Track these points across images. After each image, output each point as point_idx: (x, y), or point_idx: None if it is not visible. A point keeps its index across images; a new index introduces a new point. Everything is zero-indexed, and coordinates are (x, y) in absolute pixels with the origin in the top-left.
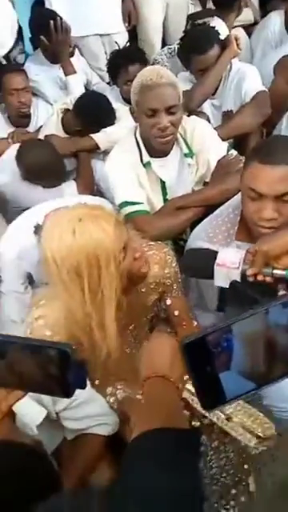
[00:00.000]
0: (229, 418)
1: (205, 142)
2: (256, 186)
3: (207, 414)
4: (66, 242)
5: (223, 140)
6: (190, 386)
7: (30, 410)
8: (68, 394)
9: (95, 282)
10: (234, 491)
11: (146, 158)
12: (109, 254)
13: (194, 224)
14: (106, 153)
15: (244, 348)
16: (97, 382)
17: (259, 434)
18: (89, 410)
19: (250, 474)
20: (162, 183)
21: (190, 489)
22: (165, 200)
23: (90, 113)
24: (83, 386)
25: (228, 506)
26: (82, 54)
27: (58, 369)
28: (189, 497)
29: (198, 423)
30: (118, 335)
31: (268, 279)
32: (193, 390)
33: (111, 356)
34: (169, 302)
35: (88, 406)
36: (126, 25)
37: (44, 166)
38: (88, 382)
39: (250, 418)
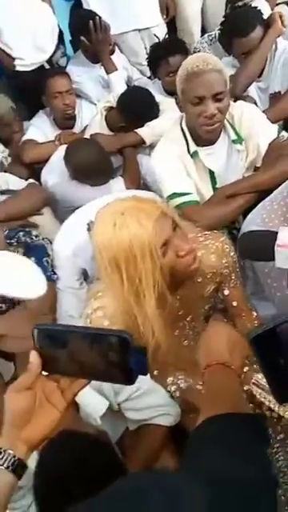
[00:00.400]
0: None
1: (253, 126)
2: None
3: (275, 408)
4: (106, 234)
5: (273, 123)
6: (256, 380)
7: (93, 400)
8: (130, 380)
9: (132, 273)
10: None
11: (193, 147)
12: (144, 249)
13: (246, 212)
14: (152, 147)
15: None
16: (155, 372)
17: None
18: (150, 401)
19: None
20: (211, 172)
21: (260, 473)
22: (214, 189)
23: (134, 108)
24: (145, 373)
25: None
26: (121, 51)
27: (119, 356)
28: (260, 482)
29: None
30: (166, 327)
31: None
32: (260, 384)
33: (160, 347)
34: (227, 292)
35: (149, 396)
36: (164, 17)
37: (91, 164)
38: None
39: None
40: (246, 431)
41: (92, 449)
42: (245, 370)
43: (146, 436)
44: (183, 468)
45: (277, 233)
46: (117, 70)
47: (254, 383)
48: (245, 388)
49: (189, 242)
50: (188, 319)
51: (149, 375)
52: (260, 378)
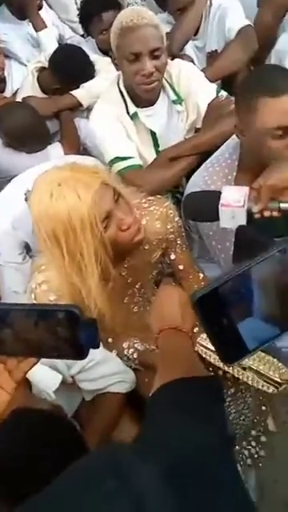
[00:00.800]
0: (244, 368)
1: (192, 85)
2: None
3: (221, 366)
4: (43, 206)
5: (211, 82)
6: (201, 340)
7: (45, 376)
8: (82, 355)
9: (72, 248)
10: (253, 432)
11: (132, 108)
12: (84, 222)
13: (189, 175)
14: (90, 109)
15: (264, 292)
16: (110, 339)
17: (276, 379)
18: (104, 370)
19: (269, 414)
20: (152, 134)
21: (218, 435)
22: (157, 152)
23: (67, 68)
24: (96, 346)
25: (249, 447)
26: (50, 7)
27: (68, 331)
28: (218, 444)
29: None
30: (112, 298)
31: (275, 214)
32: (205, 344)
33: (105, 317)
34: (173, 256)
35: (102, 365)
36: None
37: (26, 129)
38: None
39: (265, 365)
40: (202, 394)
41: (46, 424)
42: (195, 331)
43: (103, 405)
44: (141, 439)
45: (220, 193)
46: (46, 27)
47: (198, 343)
48: (195, 349)
49: (132, 212)
50: (137, 286)
51: (101, 344)
52: (204, 337)
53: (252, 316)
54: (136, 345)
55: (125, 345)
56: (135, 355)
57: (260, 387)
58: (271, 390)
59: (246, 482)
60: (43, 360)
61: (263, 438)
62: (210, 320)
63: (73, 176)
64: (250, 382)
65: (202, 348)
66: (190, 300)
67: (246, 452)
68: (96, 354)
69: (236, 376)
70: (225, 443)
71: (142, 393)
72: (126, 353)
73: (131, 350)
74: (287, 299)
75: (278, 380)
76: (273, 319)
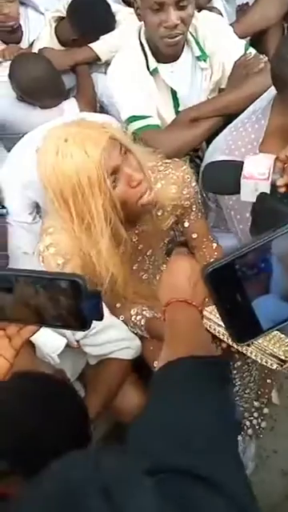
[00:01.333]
0: (248, 344)
1: (219, 40)
2: None
3: (226, 339)
4: (50, 164)
5: (240, 38)
6: (206, 312)
7: (49, 339)
8: (84, 326)
9: (81, 207)
10: (256, 404)
11: (153, 63)
12: (92, 180)
13: (210, 139)
14: (108, 64)
15: (285, 267)
16: (118, 305)
17: (280, 356)
18: (109, 336)
19: (273, 387)
20: (173, 92)
21: (224, 418)
22: (177, 112)
23: (86, 18)
24: (99, 318)
25: (252, 418)
26: None
27: (71, 301)
28: (224, 427)
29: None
30: (123, 264)
31: None
32: (210, 317)
33: (117, 282)
34: (187, 224)
35: (108, 331)
36: None
37: (39, 83)
38: (106, 308)
39: (269, 341)
40: (210, 375)
41: (45, 389)
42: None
43: (107, 370)
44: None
45: (243, 163)
46: None
47: (205, 317)
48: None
49: (141, 171)
50: (147, 254)
51: (108, 310)
52: (209, 310)
53: (269, 293)
54: (144, 312)
55: (132, 311)
56: (142, 322)
57: (264, 363)
58: (275, 366)
59: (245, 451)
60: None
61: (266, 410)
62: (223, 296)
63: (80, 131)
64: (253, 357)
65: (206, 321)
66: (201, 273)
67: (248, 423)
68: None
69: (239, 349)
70: (231, 430)
71: (147, 360)
72: (133, 319)
73: (139, 317)
74: None
75: (282, 357)
76: None
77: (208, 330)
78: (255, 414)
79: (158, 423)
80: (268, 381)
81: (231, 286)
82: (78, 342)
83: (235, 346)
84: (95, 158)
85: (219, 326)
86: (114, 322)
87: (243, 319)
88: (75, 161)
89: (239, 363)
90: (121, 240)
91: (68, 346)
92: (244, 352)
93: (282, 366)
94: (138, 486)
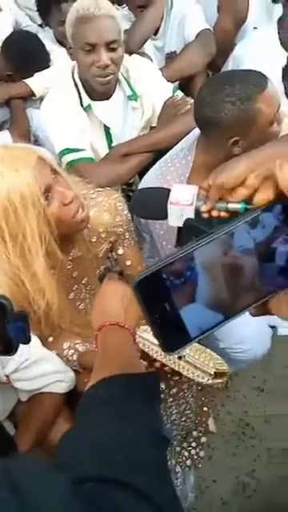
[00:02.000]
0: (180, 357)
1: (149, 82)
2: None
3: (158, 357)
4: None
5: (168, 81)
6: (140, 332)
7: None
8: (10, 350)
9: (14, 228)
10: (194, 433)
11: (87, 100)
12: (25, 198)
13: (142, 173)
14: (42, 100)
15: (208, 276)
16: (50, 339)
17: (211, 370)
18: (41, 369)
19: (210, 415)
20: (106, 128)
21: (149, 433)
22: (110, 147)
23: (21, 53)
24: (26, 341)
25: (190, 448)
26: None
27: None
28: (149, 441)
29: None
30: (59, 289)
31: (223, 214)
32: (143, 335)
33: (53, 308)
34: (121, 251)
35: (40, 364)
36: None
37: None
38: (38, 340)
39: (201, 355)
40: (137, 391)
41: None
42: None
43: (39, 405)
44: (69, 436)
45: (169, 190)
46: (1, 10)
47: (139, 336)
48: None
49: (71, 189)
50: (83, 282)
51: (39, 342)
52: (144, 329)
53: (195, 302)
54: (77, 345)
55: (65, 345)
56: (75, 357)
57: (194, 378)
58: (206, 379)
59: (184, 482)
60: None
61: (203, 439)
62: (152, 305)
63: (8, 153)
64: (185, 373)
65: (140, 339)
66: (131, 285)
67: (186, 453)
68: (33, 353)
69: (170, 366)
70: (156, 445)
71: (81, 393)
72: (65, 353)
73: (71, 351)
74: (232, 284)
75: (214, 371)
76: (217, 306)
77: (142, 349)
78: (193, 444)
79: (84, 438)
80: (204, 409)
81: (159, 295)
82: (7, 376)
83: (168, 365)
84: (27, 175)
85: (153, 344)
86: (46, 354)
87: (172, 328)
88: (6, 180)
89: (175, 390)
90: (56, 262)
91: None
92: (176, 367)
93: (213, 379)
94: (50, 484)
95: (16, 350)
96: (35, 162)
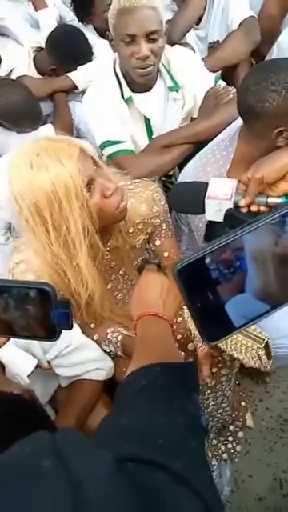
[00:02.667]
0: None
1: (191, 73)
2: None
3: (200, 344)
4: (23, 178)
5: (210, 71)
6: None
7: (19, 359)
8: (53, 335)
9: (58, 220)
10: (231, 427)
11: (128, 92)
12: (69, 190)
13: (182, 164)
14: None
15: (258, 266)
16: (92, 325)
17: (263, 336)
18: (81, 356)
19: (248, 410)
20: (146, 120)
21: (187, 421)
22: (150, 138)
23: (65, 48)
24: (69, 327)
25: (227, 442)
26: None
27: (40, 309)
28: (187, 429)
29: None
30: (100, 276)
31: (262, 209)
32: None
33: (94, 298)
34: (158, 242)
35: (80, 351)
36: None
37: (18, 108)
38: (78, 328)
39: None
40: (175, 380)
41: (12, 409)
42: (178, 321)
43: (79, 391)
44: (103, 427)
45: (208, 184)
46: (47, 6)
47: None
48: (177, 337)
49: (112, 181)
50: (121, 272)
51: (80, 330)
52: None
53: (244, 292)
54: (121, 329)
55: (109, 330)
56: (119, 338)
57: (244, 352)
58: (256, 347)
59: (220, 475)
60: (18, 343)
61: (240, 434)
62: (193, 293)
63: (50, 145)
64: (232, 347)
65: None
66: (172, 272)
67: (223, 447)
68: (74, 340)
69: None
70: (195, 433)
71: (119, 381)
72: (109, 336)
73: (115, 334)
74: (281, 274)
75: (265, 338)
76: (265, 296)
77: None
78: (230, 438)
79: (123, 422)
80: (242, 403)
81: (202, 283)
82: (49, 362)
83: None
84: (71, 167)
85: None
86: (86, 342)
87: (214, 318)
88: (51, 172)
89: (213, 382)
90: (98, 253)
91: (39, 367)
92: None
93: (263, 349)
94: (94, 457)
95: (58, 336)
96: (78, 154)
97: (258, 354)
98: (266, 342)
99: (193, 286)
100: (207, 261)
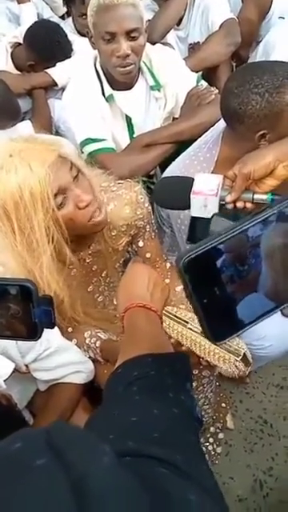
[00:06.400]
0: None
1: (172, 72)
2: None
3: (184, 342)
4: None
5: (192, 71)
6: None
7: None
8: (34, 335)
9: (23, 223)
10: (212, 429)
11: (109, 90)
12: (35, 196)
13: (164, 165)
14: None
15: (269, 261)
16: (70, 329)
17: (241, 350)
18: (61, 359)
19: (228, 411)
20: (128, 119)
21: (181, 412)
22: (131, 137)
23: (44, 43)
24: (51, 325)
25: (207, 444)
26: None
27: (21, 307)
28: (182, 420)
29: None
30: (74, 281)
31: (248, 205)
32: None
33: (64, 302)
34: (141, 244)
35: (59, 354)
36: None
37: None
38: (58, 330)
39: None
40: (167, 370)
41: None
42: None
43: (58, 395)
44: (94, 419)
45: (193, 179)
46: (29, 1)
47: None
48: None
49: (92, 191)
50: (103, 275)
51: (59, 332)
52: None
53: (256, 290)
54: (99, 334)
55: (86, 334)
56: (97, 344)
57: (221, 361)
58: (233, 359)
59: None
60: None
61: (221, 435)
62: (199, 289)
63: (26, 147)
64: (211, 355)
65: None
66: (177, 264)
67: (204, 448)
68: (53, 343)
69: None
70: (190, 425)
71: (100, 384)
72: (87, 342)
73: (93, 339)
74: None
75: (242, 351)
76: (274, 294)
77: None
78: (210, 440)
79: (114, 416)
80: (223, 405)
81: (209, 277)
82: (26, 366)
83: (194, 349)
84: (39, 174)
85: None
86: (64, 344)
87: (221, 315)
88: (19, 175)
89: (195, 384)
90: (65, 259)
91: (16, 370)
92: (202, 352)
93: (240, 360)
94: (94, 448)
95: (40, 335)
96: (52, 161)
97: (236, 365)
98: (244, 354)
99: (200, 280)
100: (215, 253)
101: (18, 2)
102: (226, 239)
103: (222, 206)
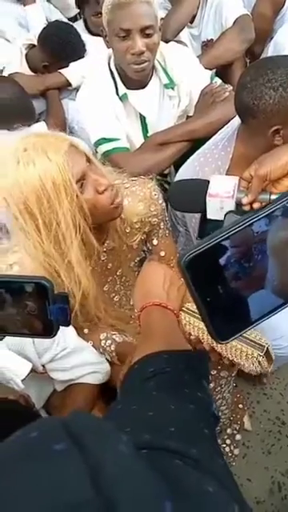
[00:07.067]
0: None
1: (186, 70)
2: None
3: (205, 338)
4: (11, 176)
5: (205, 69)
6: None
7: (13, 364)
8: (50, 331)
9: (48, 217)
10: (229, 430)
11: (122, 89)
12: (58, 185)
13: (178, 164)
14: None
15: (276, 257)
16: (86, 330)
17: (264, 343)
18: (77, 360)
19: (245, 412)
20: (142, 118)
21: (198, 408)
22: (145, 137)
23: (57, 43)
24: (67, 323)
25: (224, 445)
26: None
27: (37, 304)
28: (199, 416)
29: None
30: (94, 279)
31: None
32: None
33: (88, 297)
34: (155, 241)
35: (76, 355)
36: None
37: (9, 105)
38: (74, 331)
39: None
40: (184, 367)
41: (8, 414)
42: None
43: (74, 395)
44: (111, 412)
45: (209, 182)
46: (35, 1)
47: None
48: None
49: (106, 177)
50: (118, 273)
51: (75, 333)
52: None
53: (263, 287)
54: (114, 336)
55: (102, 336)
56: (112, 347)
57: (243, 357)
58: (256, 354)
59: None
60: (12, 347)
61: (238, 437)
62: (202, 288)
63: (39, 140)
64: (233, 351)
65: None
66: (178, 263)
67: (221, 450)
68: (69, 343)
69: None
70: (207, 421)
71: (115, 385)
72: (102, 344)
73: (108, 342)
74: None
75: (266, 345)
76: (282, 291)
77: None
78: (228, 441)
79: (130, 410)
80: (240, 406)
81: (212, 275)
82: (43, 366)
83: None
84: (58, 161)
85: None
86: (81, 345)
87: (225, 314)
88: (38, 167)
89: (212, 385)
90: (91, 251)
91: (34, 371)
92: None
93: (263, 356)
94: (111, 435)
95: (56, 333)
96: (67, 149)
97: (259, 361)
98: (267, 349)
99: (202, 279)
100: (219, 250)
101: (24, 4)
102: (230, 234)
103: (237, 207)
